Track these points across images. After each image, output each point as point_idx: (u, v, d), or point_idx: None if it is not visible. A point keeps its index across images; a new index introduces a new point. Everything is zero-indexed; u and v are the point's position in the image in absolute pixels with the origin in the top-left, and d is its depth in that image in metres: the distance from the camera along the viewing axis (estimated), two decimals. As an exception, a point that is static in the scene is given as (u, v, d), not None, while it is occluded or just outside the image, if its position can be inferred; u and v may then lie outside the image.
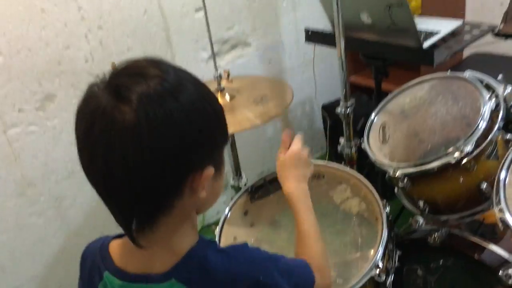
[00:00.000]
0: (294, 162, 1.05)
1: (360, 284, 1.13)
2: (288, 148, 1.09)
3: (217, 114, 0.73)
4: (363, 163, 1.82)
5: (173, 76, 0.67)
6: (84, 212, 2.04)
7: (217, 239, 1.31)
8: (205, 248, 0.77)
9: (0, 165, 1.77)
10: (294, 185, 1.03)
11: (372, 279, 1.15)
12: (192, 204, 0.74)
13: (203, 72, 2.19)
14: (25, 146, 1.80)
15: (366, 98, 2.41)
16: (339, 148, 1.69)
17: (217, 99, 0.74)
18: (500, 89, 1.26)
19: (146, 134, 0.62)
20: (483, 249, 1.26)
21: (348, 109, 1.58)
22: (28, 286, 1.97)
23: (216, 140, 0.73)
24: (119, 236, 0.82)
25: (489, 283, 1.30)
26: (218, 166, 0.76)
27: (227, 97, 1.49)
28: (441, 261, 1.43)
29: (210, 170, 0.71)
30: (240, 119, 1.36)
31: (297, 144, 1.07)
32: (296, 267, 0.87)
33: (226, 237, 1.34)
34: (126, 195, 0.66)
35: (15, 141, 1.77)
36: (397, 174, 1.26)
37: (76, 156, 0.68)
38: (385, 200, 1.26)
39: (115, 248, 0.81)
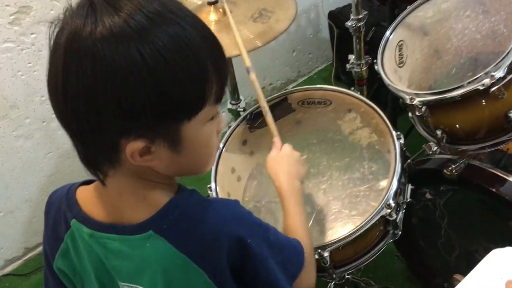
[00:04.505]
0: (287, 159, 1.01)
1: (370, 224, 1.04)
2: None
3: (182, 77, 0.59)
4: (374, 79, 1.66)
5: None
6: (75, 133, 1.93)
7: (213, 170, 1.20)
8: (187, 199, 0.71)
9: (-24, 86, 1.64)
10: (287, 181, 0.96)
11: (382, 216, 1.06)
12: (143, 166, 0.65)
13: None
14: (2, 65, 1.68)
15: (377, 4, 2.19)
16: (347, 66, 1.53)
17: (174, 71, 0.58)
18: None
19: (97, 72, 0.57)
20: (503, 181, 1.17)
21: (360, 22, 1.40)
22: (22, 209, 1.94)
23: (155, 111, 0.59)
24: (86, 183, 0.76)
25: (507, 217, 1.22)
26: (172, 144, 0.63)
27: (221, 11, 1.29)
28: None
29: (135, 144, 0.60)
30: (237, 40, 1.19)
31: (289, 146, 1.04)
32: (287, 245, 0.79)
33: (224, 167, 1.23)
34: (82, 122, 0.60)
35: (-10, 60, 1.64)
36: (414, 102, 1.11)
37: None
38: (399, 132, 1.13)
39: (82, 194, 0.74)
